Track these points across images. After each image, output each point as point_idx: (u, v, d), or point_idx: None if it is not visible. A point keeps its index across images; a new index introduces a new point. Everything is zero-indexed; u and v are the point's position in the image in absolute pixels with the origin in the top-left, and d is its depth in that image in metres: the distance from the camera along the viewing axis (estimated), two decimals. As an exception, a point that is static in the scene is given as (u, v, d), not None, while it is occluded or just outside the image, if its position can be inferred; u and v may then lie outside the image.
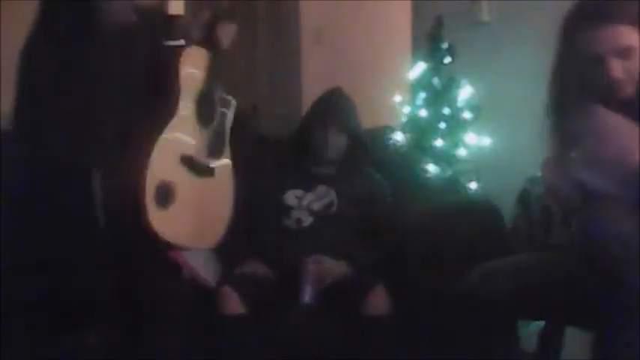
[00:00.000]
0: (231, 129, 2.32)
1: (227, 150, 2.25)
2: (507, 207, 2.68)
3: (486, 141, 3.09)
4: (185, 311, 2.11)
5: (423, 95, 3.15)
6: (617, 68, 1.89)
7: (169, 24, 2.33)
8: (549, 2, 3.18)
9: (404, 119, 3.19)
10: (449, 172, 3.07)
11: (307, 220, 2.69)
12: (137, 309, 1.96)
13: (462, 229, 2.64)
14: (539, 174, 2.35)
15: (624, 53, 1.89)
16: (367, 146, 2.84)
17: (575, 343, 2.29)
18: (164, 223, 1.99)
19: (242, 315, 2.38)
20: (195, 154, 2.10)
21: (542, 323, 2.30)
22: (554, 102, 2.04)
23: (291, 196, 2.71)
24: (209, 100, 2.15)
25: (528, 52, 3.21)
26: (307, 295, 2.47)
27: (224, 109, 2.25)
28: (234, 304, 2.38)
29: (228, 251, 2.50)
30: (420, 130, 3.13)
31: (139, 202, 1.93)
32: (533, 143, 2.93)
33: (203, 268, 2.41)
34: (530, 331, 2.41)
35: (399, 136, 3.12)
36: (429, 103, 3.14)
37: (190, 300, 2.31)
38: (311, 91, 3.37)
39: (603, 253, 1.78)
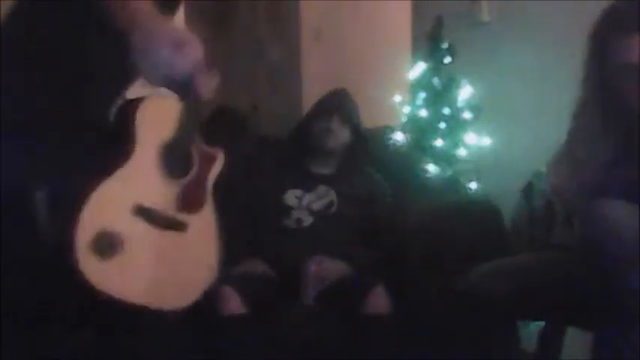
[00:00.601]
0: (231, 129, 2.27)
1: (209, 204, 2.08)
2: (507, 207, 2.68)
3: (486, 141, 3.09)
4: (185, 312, 2.09)
5: (423, 95, 3.15)
6: None
7: None
8: (549, 2, 3.19)
9: (404, 119, 3.19)
10: (449, 172, 3.07)
11: (307, 220, 2.69)
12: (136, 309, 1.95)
13: (462, 229, 2.64)
14: (542, 170, 2.35)
15: None
16: (368, 143, 2.85)
17: (575, 343, 2.29)
18: (105, 275, 1.83)
19: (242, 315, 2.38)
20: (156, 205, 1.93)
21: (542, 323, 2.30)
22: (580, 107, 2.02)
23: (291, 196, 2.71)
24: (179, 150, 2.00)
25: (528, 52, 3.22)
26: (309, 296, 2.48)
27: (207, 162, 2.11)
28: (234, 304, 2.38)
29: (228, 251, 2.50)
30: (420, 130, 3.13)
31: (70, 250, 1.77)
32: (533, 143, 2.94)
33: None
34: (530, 331, 2.41)
35: (399, 136, 3.12)
36: (429, 103, 3.14)
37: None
38: (311, 91, 3.36)
39: (604, 253, 1.78)
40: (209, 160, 2.09)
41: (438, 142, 3.09)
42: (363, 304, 2.43)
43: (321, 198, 2.73)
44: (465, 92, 3.12)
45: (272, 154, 2.94)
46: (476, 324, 2.08)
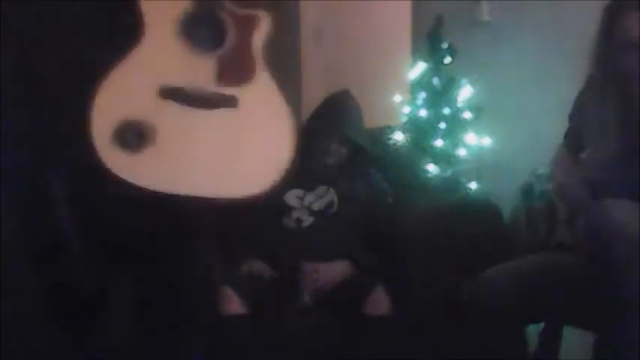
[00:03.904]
0: None
1: (261, 73, 1.80)
2: (507, 207, 2.68)
3: (486, 141, 3.09)
4: (203, 310, 2.02)
5: (423, 95, 3.14)
6: None
7: None
8: (549, 2, 3.19)
9: (404, 119, 3.19)
10: (449, 172, 3.06)
11: (307, 220, 2.69)
12: (142, 307, 1.93)
13: (462, 229, 2.64)
14: (541, 170, 2.34)
15: None
16: (368, 152, 2.84)
17: (575, 343, 2.29)
18: (138, 168, 1.59)
19: (242, 315, 2.38)
20: (187, 83, 1.67)
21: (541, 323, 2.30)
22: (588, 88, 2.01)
23: (291, 196, 2.71)
24: (205, 19, 1.73)
25: (528, 51, 3.22)
26: (306, 300, 2.51)
27: (248, 27, 1.81)
28: (234, 304, 2.38)
29: (228, 251, 2.50)
30: (420, 130, 3.12)
31: (88, 147, 1.56)
32: (533, 143, 2.93)
33: None
34: (530, 331, 2.41)
35: (399, 136, 3.12)
36: (429, 103, 3.13)
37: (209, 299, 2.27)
38: (311, 91, 3.36)
39: (608, 253, 1.77)
40: (249, 24, 1.84)
41: (438, 142, 3.09)
42: (363, 304, 2.43)
43: (321, 197, 2.72)
44: (465, 92, 3.12)
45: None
46: (477, 325, 2.08)
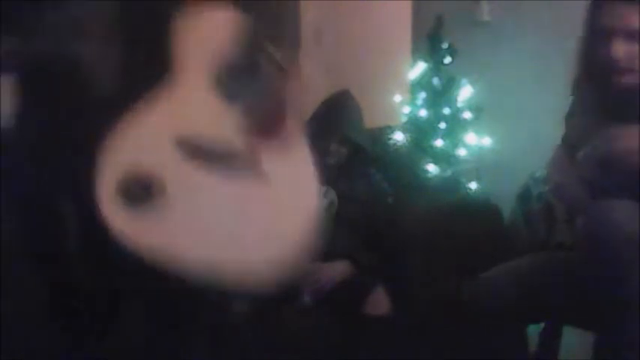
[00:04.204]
0: None
1: (292, 129, 1.59)
2: (507, 207, 2.68)
3: (486, 141, 3.09)
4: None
5: (423, 95, 3.15)
6: (620, 48, 1.85)
7: None
8: (549, 2, 3.20)
9: (404, 119, 3.19)
10: (449, 172, 3.07)
11: (307, 220, 2.68)
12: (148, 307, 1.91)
13: (462, 229, 2.64)
14: (538, 174, 2.35)
15: (633, 35, 1.83)
16: (368, 152, 2.84)
17: (575, 343, 2.29)
18: (143, 226, 1.42)
19: (242, 315, 2.38)
20: (211, 135, 1.49)
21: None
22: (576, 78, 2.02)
23: (291, 197, 2.71)
24: (242, 67, 1.57)
25: (528, 51, 3.22)
26: (306, 300, 2.50)
27: (283, 78, 1.66)
28: (234, 304, 2.38)
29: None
30: (420, 130, 3.13)
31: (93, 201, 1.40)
32: (533, 143, 2.94)
33: None
34: (531, 331, 2.41)
35: (399, 136, 3.12)
36: (429, 103, 3.14)
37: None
38: (311, 91, 3.36)
39: (607, 252, 1.77)
40: (285, 75, 1.68)
41: (438, 142, 3.09)
42: (363, 305, 2.43)
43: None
44: (465, 92, 3.12)
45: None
46: (477, 325, 2.08)
